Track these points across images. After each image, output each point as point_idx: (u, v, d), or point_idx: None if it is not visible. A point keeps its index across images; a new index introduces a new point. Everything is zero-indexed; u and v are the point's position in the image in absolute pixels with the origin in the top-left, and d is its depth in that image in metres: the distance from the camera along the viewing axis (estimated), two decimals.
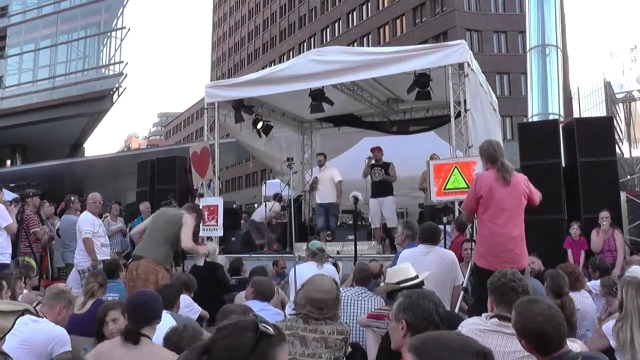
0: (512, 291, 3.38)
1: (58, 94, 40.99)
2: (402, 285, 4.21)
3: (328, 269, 6.59)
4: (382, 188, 11.22)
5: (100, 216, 9.04)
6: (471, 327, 3.37)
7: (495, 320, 3.33)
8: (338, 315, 3.98)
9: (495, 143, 5.59)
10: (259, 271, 6.93)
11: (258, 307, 4.83)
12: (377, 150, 11.41)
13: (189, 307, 5.70)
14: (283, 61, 38.46)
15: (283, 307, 6.69)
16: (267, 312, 4.86)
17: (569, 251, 9.01)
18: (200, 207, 10.92)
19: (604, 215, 8.68)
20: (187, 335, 3.26)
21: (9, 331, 3.47)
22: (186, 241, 6.27)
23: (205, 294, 6.41)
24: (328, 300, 3.80)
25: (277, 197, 12.73)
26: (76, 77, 42.17)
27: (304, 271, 6.19)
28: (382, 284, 4.86)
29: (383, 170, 11.16)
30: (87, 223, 8.18)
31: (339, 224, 12.50)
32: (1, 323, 3.43)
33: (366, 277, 5.95)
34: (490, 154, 5.45)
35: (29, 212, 8.72)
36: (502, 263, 5.05)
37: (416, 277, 4.37)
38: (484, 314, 3.49)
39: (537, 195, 5.42)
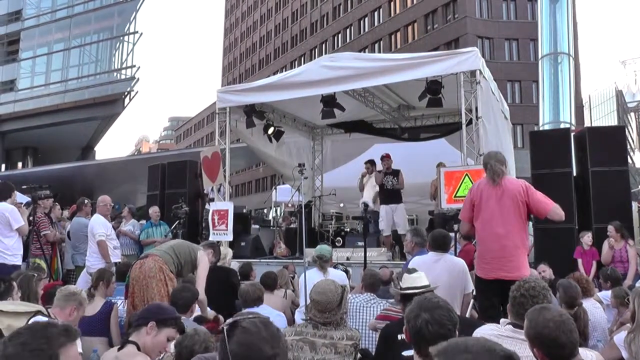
0: (519, 306, 3.39)
1: (70, 97, 41.31)
2: (408, 292, 4.16)
3: (336, 275, 6.58)
4: (394, 195, 11.23)
5: (112, 219, 9.07)
6: (486, 332, 3.38)
7: (510, 327, 3.35)
8: (344, 320, 3.95)
9: (492, 152, 5.69)
10: (271, 276, 6.93)
11: (262, 312, 4.82)
12: (386, 157, 11.39)
13: (199, 311, 5.69)
14: (294, 67, 38.54)
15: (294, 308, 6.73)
16: (269, 315, 4.83)
17: (579, 261, 8.96)
18: (211, 211, 10.99)
19: (609, 230, 8.62)
20: (198, 340, 3.26)
21: None
22: (201, 291, 5.45)
23: (219, 299, 6.40)
24: (329, 303, 3.79)
25: None
26: (88, 81, 42.47)
27: (311, 277, 6.19)
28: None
29: (395, 178, 11.13)
30: (101, 226, 8.22)
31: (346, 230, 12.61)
32: (14, 324, 3.44)
33: (375, 283, 5.95)
34: (483, 161, 5.57)
35: (40, 214, 8.76)
36: (495, 271, 5.02)
37: (425, 287, 4.30)
38: (501, 320, 3.49)
39: (546, 207, 5.25)
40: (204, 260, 5.85)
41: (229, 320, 1.93)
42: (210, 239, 11.10)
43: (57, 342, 1.80)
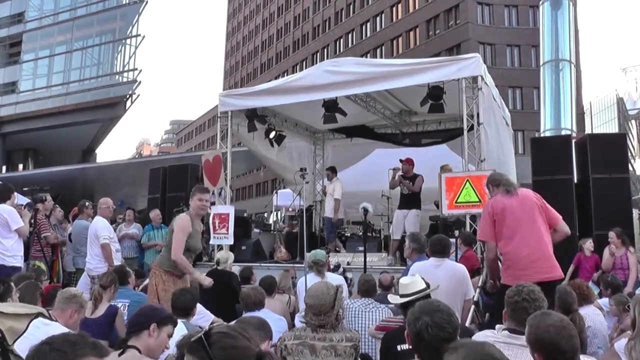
0: (522, 310, 3.38)
1: (72, 100, 41.41)
2: (406, 300, 4.13)
3: (333, 280, 6.58)
4: (410, 201, 11.06)
5: (112, 222, 9.06)
6: (483, 338, 3.38)
7: (506, 332, 3.35)
8: (340, 320, 3.94)
9: (497, 173, 6.19)
10: (268, 281, 6.92)
11: (263, 316, 4.82)
12: (405, 162, 11.24)
13: (200, 314, 5.69)
14: (296, 71, 38.57)
15: (294, 313, 6.73)
16: (270, 319, 4.81)
17: (571, 267, 8.93)
18: (212, 215, 10.99)
19: (610, 236, 8.61)
20: None
21: (22, 334, 3.48)
22: (175, 253, 5.63)
23: (219, 302, 6.39)
24: (322, 306, 3.78)
25: None
26: (90, 84, 42.59)
27: (309, 282, 6.20)
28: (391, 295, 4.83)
29: (411, 183, 11.03)
30: (105, 229, 8.20)
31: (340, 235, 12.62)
32: (15, 325, 3.43)
33: (370, 289, 5.94)
34: (494, 179, 5.72)
35: (40, 216, 8.76)
36: (533, 275, 4.96)
37: (423, 290, 4.27)
38: (497, 326, 3.50)
39: (558, 217, 5.45)
40: (178, 222, 5.77)
41: (201, 331, 1.87)
42: (211, 242, 11.13)
43: (81, 351, 1.83)
